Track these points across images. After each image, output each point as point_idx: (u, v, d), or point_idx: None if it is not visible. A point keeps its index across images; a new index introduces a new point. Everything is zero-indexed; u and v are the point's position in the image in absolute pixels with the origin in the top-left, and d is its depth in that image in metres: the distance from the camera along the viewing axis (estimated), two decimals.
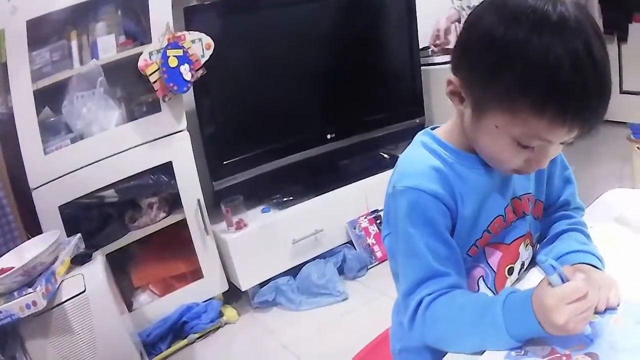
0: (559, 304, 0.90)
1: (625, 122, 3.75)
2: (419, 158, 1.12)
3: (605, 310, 1.02)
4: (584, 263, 1.11)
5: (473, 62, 1.02)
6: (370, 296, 2.96)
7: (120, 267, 2.83)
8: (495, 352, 0.98)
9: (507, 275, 1.19)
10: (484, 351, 0.99)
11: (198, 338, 2.85)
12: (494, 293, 1.18)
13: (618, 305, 1.03)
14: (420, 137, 1.19)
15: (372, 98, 3.61)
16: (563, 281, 0.92)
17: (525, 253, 1.22)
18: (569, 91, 0.91)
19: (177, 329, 2.84)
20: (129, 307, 2.83)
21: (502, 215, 1.16)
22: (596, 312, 1.01)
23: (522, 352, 0.96)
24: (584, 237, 1.22)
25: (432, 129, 1.20)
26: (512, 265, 1.19)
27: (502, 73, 0.95)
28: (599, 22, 4.85)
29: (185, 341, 2.81)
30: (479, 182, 1.13)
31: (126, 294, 2.83)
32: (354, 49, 3.49)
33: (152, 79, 2.67)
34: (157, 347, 2.74)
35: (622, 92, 4.88)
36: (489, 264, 1.17)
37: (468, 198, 1.12)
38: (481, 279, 1.18)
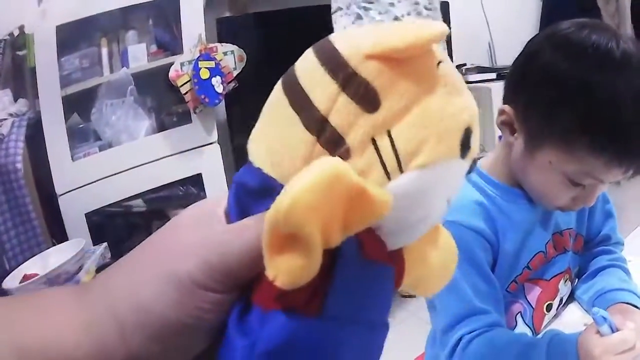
0: (605, 355, 0.88)
1: None
2: (461, 192, 1.09)
3: None
4: (624, 303, 1.08)
5: (531, 96, 0.99)
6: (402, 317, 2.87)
7: None
8: None
9: (546, 312, 1.16)
10: None
11: None
12: (531, 329, 1.15)
13: None
14: None
15: None
16: (613, 331, 0.90)
17: (564, 289, 1.19)
18: (631, 132, 0.88)
19: None
20: None
21: (543, 252, 1.13)
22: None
23: None
24: (624, 274, 1.18)
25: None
26: (550, 302, 1.16)
27: (563, 109, 0.93)
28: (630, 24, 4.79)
29: None
30: (522, 217, 1.10)
31: None
32: None
33: (183, 90, 2.64)
34: None
35: None
36: (527, 300, 1.14)
37: (510, 233, 1.08)
38: (519, 314, 1.15)
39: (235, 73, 2.75)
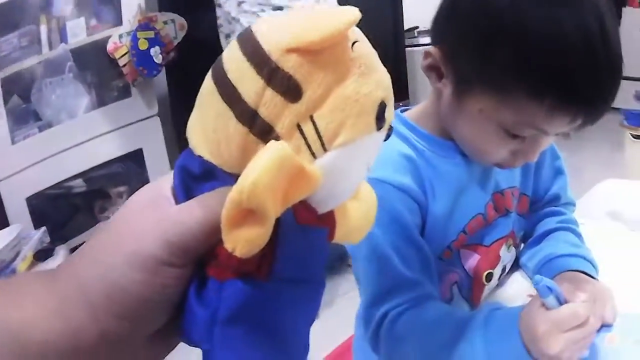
0: (553, 331, 0.73)
1: (618, 109, 3.62)
2: (385, 144, 0.94)
3: (601, 327, 0.85)
4: (575, 270, 0.95)
5: (461, 31, 0.84)
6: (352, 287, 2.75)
7: None
8: None
9: (486, 282, 1.00)
10: None
11: None
12: (469, 303, 1.01)
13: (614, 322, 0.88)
14: None
15: None
16: (560, 303, 0.75)
17: (507, 256, 1.04)
18: (577, 74, 0.75)
19: None
20: None
21: (482, 214, 0.98)
22: None
23: None
24: (575, 238, 1.05)
25: (402, 111, 1.02)
26: (491, 270, 1.01)
27: (497, 46, 0.79)
28: None
29: None
30: (456, 174, 0.95)
31: None
32: None
33: (121, 62, 2.54)
34: None
35: None
36: (464, 268, 0.99)
37: (442, 192, 0.94)
38: (455, 285, 1.00)
39: (175, 42, 2.63)
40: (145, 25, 2.53)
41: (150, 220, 0.42)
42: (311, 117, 0.39)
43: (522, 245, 1.11)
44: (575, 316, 0.73)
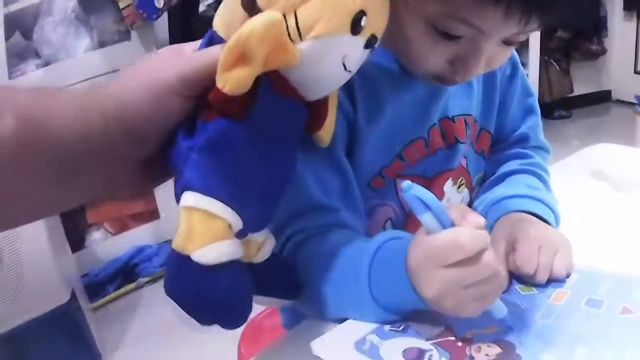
0: (427, 265, 0.54)
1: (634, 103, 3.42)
2: None
3: (549, 281, 0.68)
4: (525, 211, 0.76)
5: None
6: None
7: None
8: (360, 322, 0.63)
9: None
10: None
11: (147, 282, 2.55)
12: None
13: (568, 277, 0.69)
14: None
15: None
16: (444, 227, 0.54)
17: (455, 194, 0.85)
18: None
19: (128, 271, 2.56)
20: (81, 244, 2.58)
21: (424, 139, 0.79)
22: (533, 284, 0.68)
23: (401, 328, 0.61)
24: (538, 182, 0.85)
25: None
26: None
27: None
28: None
29: (133, 285, 2.53)
30: (394, 87, 0.76)
31: (78, 231, 2.57)
32: None
33: (121, 4, 2.42)
34: (105, 289, 2.48)
35: (636, 72, 4.53)
36: (400, 203, 0.80)
37: (374, 107, 0.75)
38: (389, 221, 0.81)
39: None
40: None
41: (172, 58, 0.50)
42: (295, 11, 0.47)
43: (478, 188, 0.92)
44: (455, 245, 0.53)
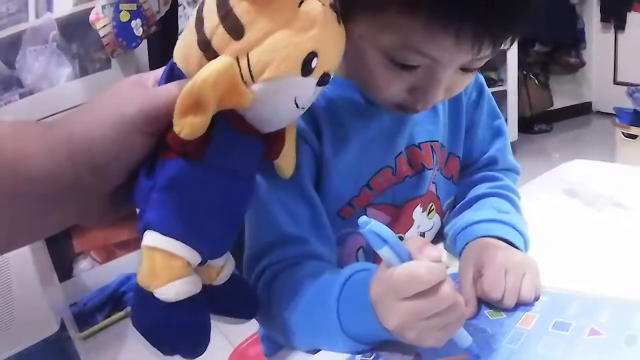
0: (387, 297, 0.56)
1: (613, 114, 3.44)
2: None
3: (518, 305, 0.68)
4: (494, 237, 0.76)
5: None
6: None
7: (62, 232, 2.51)
8: (333, 352, 0.64)
9: None
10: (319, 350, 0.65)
11: None
12: None
13: (536, 300, 0.69)
14: None
15: None
16: (403, 261, 0.55)
17: (426, 221, 0.86)
18: None
19: (116, 299, 2.54)
20: (69, 273, 2.57)
21: (392, 167, 0.80)
22: (501, 308, 0.68)
23: (372, 357, 0.62)
24: (508, 205, 0.86)
25: None
26: (401, 235, 0.82)
27: None
28: (597, 9, 4.53)
29: (122, 313, 2.50)
30: (359, 120, 0.78)
31: (65, 260, 2.56)
32: None
33: (101, 33, 2.40)
34: (94, 317, 2.45)
35: (615, 82, 4.57)
36: None
37: (341, 139, 0.76)
38: (361, 250, 0.82)
39: (158, 16, 2.48)
40: None
41: (133, 92, 0.51)
42: (247, 54, 0.49)
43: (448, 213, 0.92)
44: (413, 278, 0.54)
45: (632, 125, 3.13)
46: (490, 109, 0.92)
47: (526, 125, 4.47)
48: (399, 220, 0.82)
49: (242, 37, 0.49)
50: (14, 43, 2.45)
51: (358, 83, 0.75)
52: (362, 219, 0.53)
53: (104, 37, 2.39)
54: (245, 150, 0.56)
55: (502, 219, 0.79)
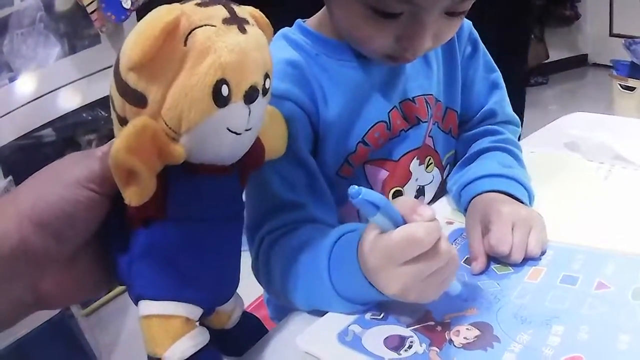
0: (386, 265, 0.54)
1: (610, 65, 3.42)
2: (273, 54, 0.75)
3: (525, 259, 0.67)
4: (498, 191, 0.75)
5: None
6: None
7: None
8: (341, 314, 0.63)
9: None
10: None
11: None
12: None
13: (543, 254, 0.69)
14: (284, 29, 0.82)
15: None
16: (397, 225, 0.53)
17: (424, 175, 0.85)
18: None
19: None
20: None
21: (385, 122, 0.79)
22: (508, 263, 0.67)
23: (381, 316, 0.61)
24: (511, 159, 0.85)
25: (305, 21, 0.83)
26: (399, 188, 0.81)
27: None
28: None
29: (122, 287, 2.47)
30: (351, 78, 0.77)
31: None
32: None
33: (89, 9, 2.37)
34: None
35: (611, 34, 4.53)
36: (370, 187, 0.80)
37: (335, 97, 0.76)
38: None
39: None
40: None
41: (80, 159, 0.49)
42: (161, 115, 0.46)
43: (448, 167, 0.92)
44: (412, 241, 0.52)
45: (629, 78, 3.13)
46: (485, 63, 0.91)
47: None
48: (396, 173, 0.81)
49: (147, 103, 0.45)
50: (0, 28, 2.41)
51: (348, 39, 0.75)
52: (353, 188, 0.51)
53: (91, 12, 2.36)
54: (210, 192, 0.52)
55: (506, 173, 0.78)
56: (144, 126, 0.44)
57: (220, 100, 0.46)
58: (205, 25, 0.46)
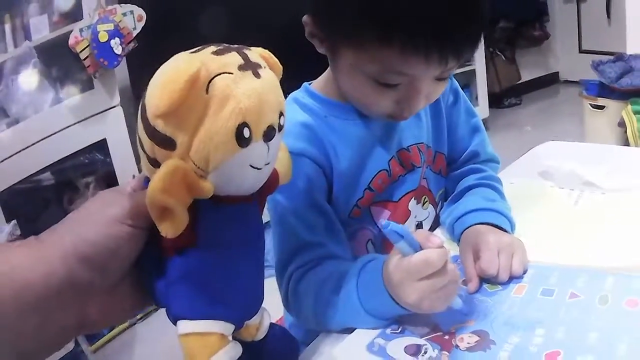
0: (406, 280, 0.70)
1: (578, 82, 3.57)
2: (287, 117, 0.92)
3: (511, 279, 0.83)
4: (485, 223, 0.92)
5: None
6: None
7: None
8: (367, 331, 0.78)
9: None
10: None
11: (140, 319, 2.61)
12: None
13: (525, 273, 0.85)
14: (294, 93, 0.99)
15: None
16: (415, 250, 0.70)
17: (421, 212, 1.02)
18: (414, 13, 0.74)
19: None
20: None
21: (386, 170, 0.96)
22: (497, 282, 0.83)
23: (399, 330, 0.76)
24: (494, 194, 1.01)
25: (310, 83, 1.01)
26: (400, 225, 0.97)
27: (344, 4, 0.80)
28: None
29: (125, 324, 2.59)
30: (356, 134, 0.94)
31: None
32: None
33: (82, 55, 2.46)
34: (100, 331, 2.51)
35: (580, 51, 4.72)
36: (376, 225, 0.97)
37: (344, 152, 0.93)
38: (370, 242, 0.99)
39: (134, 33, 2.55)
40: (104, 18, 2.47)
41: (115, 196, 0.56)
42: (189, 156, 0.51)
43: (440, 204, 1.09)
44: (427, 263, 0.69)
45: (598, 97, 3.29)
46: (466, 109, 1.08)
47: (496, 101, 4.66)
48: (397, 212, 0.97)
49: (175, 146, 0.51)
50: None
51: (354, 103, 0.92)
52: (384, 221, 0.68)
53: (85, 59, 2.46)
54: (235, 219, 0.58)
55: (491, 207, 0.95)
56: (176, 168, 0.50)
57: (242, 141, 0.51)
58: (223, 73, 0.51)
